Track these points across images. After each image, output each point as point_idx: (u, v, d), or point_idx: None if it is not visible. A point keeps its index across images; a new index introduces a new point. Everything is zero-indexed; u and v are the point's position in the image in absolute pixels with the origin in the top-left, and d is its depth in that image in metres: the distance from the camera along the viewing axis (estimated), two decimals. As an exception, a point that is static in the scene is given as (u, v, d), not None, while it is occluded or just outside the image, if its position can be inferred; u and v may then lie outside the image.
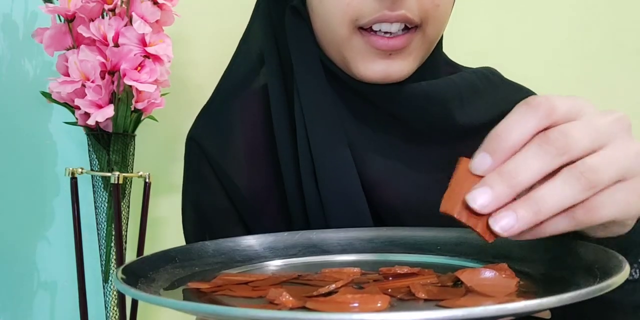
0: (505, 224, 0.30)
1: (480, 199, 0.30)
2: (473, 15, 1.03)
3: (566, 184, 0.30)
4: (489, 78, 0.60)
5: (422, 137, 0.57)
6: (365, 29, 0.51)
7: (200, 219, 0.61)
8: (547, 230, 0.32)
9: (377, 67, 0.52)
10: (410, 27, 0.51)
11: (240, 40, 0.64)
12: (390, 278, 0.37)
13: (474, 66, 0.63)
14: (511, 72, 0.64)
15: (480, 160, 0.32)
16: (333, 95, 0.56)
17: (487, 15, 1.07)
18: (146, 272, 0.38)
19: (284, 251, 0.47)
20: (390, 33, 0.50)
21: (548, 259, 0.37)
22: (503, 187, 0.30)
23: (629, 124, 0.33)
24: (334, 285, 0.34)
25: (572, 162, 0.31)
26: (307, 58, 0.56)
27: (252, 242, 0.48)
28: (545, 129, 0.32)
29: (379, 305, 0.29)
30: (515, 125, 0.31)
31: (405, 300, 0.32)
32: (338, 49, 0.53)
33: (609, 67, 1.09)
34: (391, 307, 0.30)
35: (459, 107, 0.55)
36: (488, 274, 0.33)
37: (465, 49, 0.79)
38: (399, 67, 0.52)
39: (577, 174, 0.30)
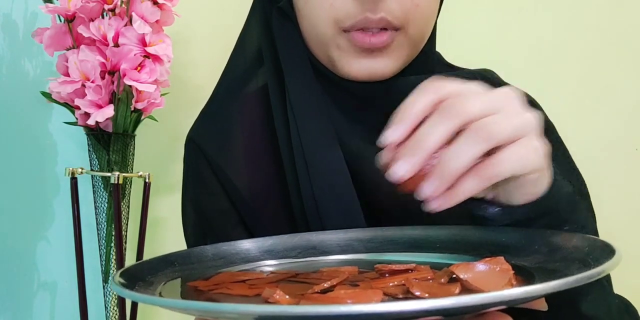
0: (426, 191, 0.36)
1: (399, 171, 0.36)
2: (471, 17, 1.03)
3: (466, 143, 0.35)
4: (485, 78, 0.60)
5: None
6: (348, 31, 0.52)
7: (200, 220, 0.61)
8: (460, 192, 0.36)
9: (361, 65, 0.53)
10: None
11: (237, 41, 0.64)
12: (387, 275, 0.37)
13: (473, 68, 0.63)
14: (510, 75, 0.63)
15: (392, 131, 0.37)
16: (322, 94, 0.57)
17: (486, 17, 1.07)
18: (145, 275, 0.38)
19: (283, 253, 0.47)
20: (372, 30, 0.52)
21: (544, 252, 0.37)
22: (414, 155, 0.35)
23: (517, 96, 0.37)
24: (329, 283, 0.34)
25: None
26: (296, 58, 0.57)
27: (251, 245, 0.48)
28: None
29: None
30: (413, 102, 0.37)
31: (399, 297, 0.32)
32: (324, 49, 0.54)
33: (608, 67, 1.08)
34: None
35: None
36: (482, 267, 0.33)
37: (463, 50, 0.79)
38: (383, 64, 0.53)
39: (473, 131, 0.35)
